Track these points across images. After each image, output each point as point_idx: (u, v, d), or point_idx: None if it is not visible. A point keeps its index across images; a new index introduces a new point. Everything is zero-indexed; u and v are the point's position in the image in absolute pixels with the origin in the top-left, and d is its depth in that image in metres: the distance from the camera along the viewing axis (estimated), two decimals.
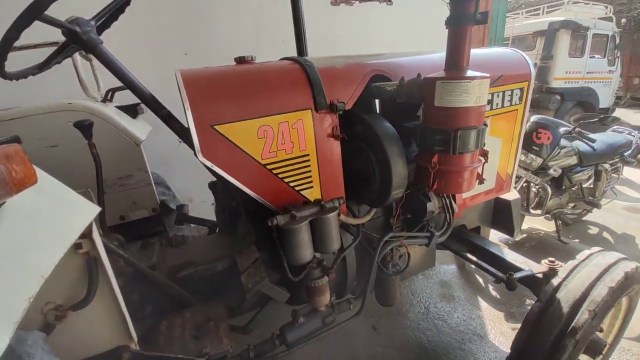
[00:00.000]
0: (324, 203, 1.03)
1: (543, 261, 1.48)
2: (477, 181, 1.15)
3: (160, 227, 1.71)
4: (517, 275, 1.43)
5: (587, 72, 6.47)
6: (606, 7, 7.83)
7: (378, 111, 1.43)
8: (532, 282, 1.42)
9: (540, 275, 1.43)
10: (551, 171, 2.32)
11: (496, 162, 1.57)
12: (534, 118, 3.30)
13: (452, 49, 1.01)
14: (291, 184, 1.08)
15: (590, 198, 2.82)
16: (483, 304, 2.20)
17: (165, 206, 1.73)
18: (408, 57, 1.29)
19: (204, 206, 2.45)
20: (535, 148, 2.29)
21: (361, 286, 1.35)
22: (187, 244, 1.36)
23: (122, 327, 0.78)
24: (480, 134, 1.03)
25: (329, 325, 1.29)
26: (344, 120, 1.20)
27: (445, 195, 1.31)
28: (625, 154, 2.80)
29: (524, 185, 2.55)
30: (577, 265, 1.30)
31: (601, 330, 1.47)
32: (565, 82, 6.31)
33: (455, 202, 1.35)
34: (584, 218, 3.17)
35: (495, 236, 2.86)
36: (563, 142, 2.46)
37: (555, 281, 1.27)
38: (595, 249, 1.41)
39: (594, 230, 3.11)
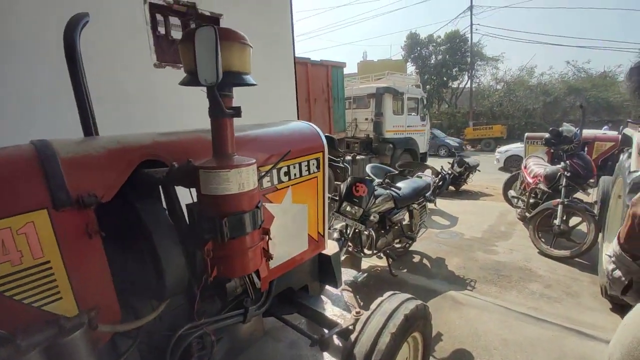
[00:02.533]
0: (62, 322, 0.84)
1: (352, 312, 1.61)
2: (265, 258, 1.17)
3: None
4: (329, 333, 1.50)
5: (408, 126, 8.25)
6: (415, 79, 10.38)
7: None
8: (344, 335, 1.51)
9: (351, 327, 1.54)
10: (371, 218, 2.69)
11: (305, 226, 1.68)
12: (368, 167, 3.90)
13: (215, 138, 1.04)
14: (25, 300, 0.86)
15: (409, 233, 3.41)
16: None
17: None
18: (191, 134, 1.29)
19: None
20: (355, 200, 2.64)
21: None
22: None
23: None
24: (254, 216, 1.06)
25: None
26: (117, 210, 1.07)
27: None
28: (427, 194, 3.54)
29: (356, 232, 2.88)
30: (370, 316, 1.45)
31: None
32: (395, 134, 7.86)
33: (258, 277, 1.35)
34: (410, 249, 3.79)
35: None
36: (379, 191, 2.93)
37: (353, 336, 1.38)
38: (387, 294, 1.61)
39: (417, 259, 3.73)
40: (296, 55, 6.32)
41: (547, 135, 4.18)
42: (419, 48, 25.45)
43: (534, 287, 3.16)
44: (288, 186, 1.53)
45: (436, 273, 3.42)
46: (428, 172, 4.65)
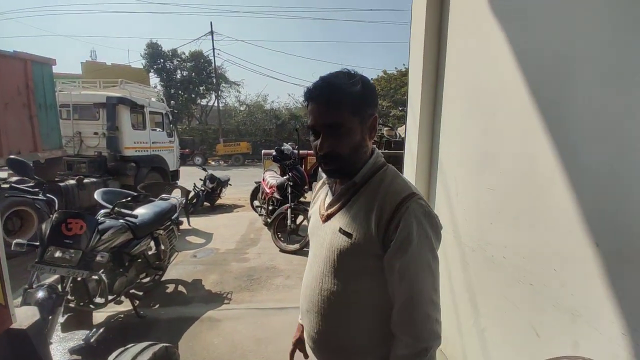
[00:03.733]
0: None
1: None
2: None
3: None
4: None
5: (153, 142, 7.51)
6: (157, 91, 9.68)
7: None
8: None
9: None
10: (98, 258, 2.15)
11: None
12: (97, 193, 3.11)
13: None
14: None
15: (157, 263, 3.05)
16: None
17: None
18: None
19: None
20: (68, 241, 2.02)
21: None
22: None
23: None
24: None
25: None
26: None
27: None
28: (173, 217, 3.31)
29: (79, 281, 2.21)
30: None
31: None
32: (137, 151, 6.91)
33: None
34: (163, 279, 3.42)
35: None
36: (108, 222, 2.41)
37: None
38: (113, 355, 1.31)
39: (171, 288, 3.43)
40: None
41: (273, 152, 5.07)
42: (162, 60, 24.19)
43: (278, 281, 3.70)
44: None
45: (192, 297, 3.26)
46: (177, 192, 4.41)
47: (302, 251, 4.50)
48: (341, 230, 0.82)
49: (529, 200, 1.49)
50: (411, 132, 2.59)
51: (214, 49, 24.13)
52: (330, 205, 0.90)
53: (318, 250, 0.90)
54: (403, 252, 0.74)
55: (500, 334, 1.74)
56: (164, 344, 1.45)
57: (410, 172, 2.56)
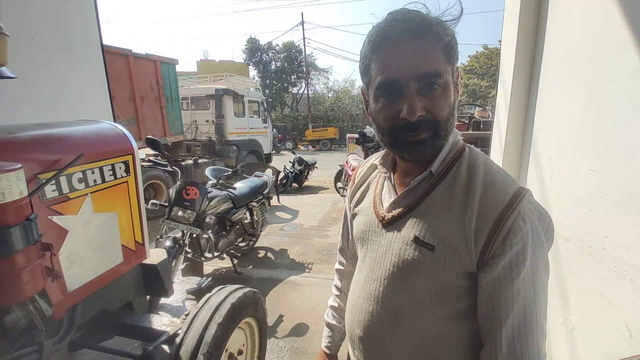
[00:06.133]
0: None
1: (182, 316, 1.58)
2: (50, 277, 1.01)
3: None
4: (153, 344, 1.42)
5: (251, 128, 8.45)
6: (254, 82, 10.71)
7: None
8: (171, 341, 1.46)
9: (179, 331, 1.50)
10: (207, 220, 2.66)
11: (118, 236, 1.52)
12: (207, 170, 3.77)
13: None
14: None
15: (251, 230, 3.55)
16: None
17: None
18: None
19: None
20: (187, 204, 2.55)
21: None
22: None
23: None
24: (25, 230, 0.90)
25: None
26: None
27: (28, 300, 1.08)
28: (264, 192, 3.77)
29: (194, 237, 2.77)
30: (196, 314, 1.46)
31: (241, 353, 1.76)
32: (238, 136, 7.90)
33: (48, 303, 1.14)
34: (256, 245, 3.95)
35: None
36: (214, 192, 2.92)
37: (178, 339, 1.37)
38: (216, 289, 1.66)
39: (261, 254, 3.93)
40: (116, 46, 5.46)
41: (357, 135, 5.19)
42: (259, 53, 26.38)
43: None
44: (86, 194, 1.34)
45: (279, 263, 3.70)
46: (269, 171, 4.94)
47: None
48: (418, 241, 0.62)
49: (637, 183, 1.29)
50: (501, 109, 2.38)
51: (304, 38, 25.13)
52: (395, 204, 0.68)
53: (375, 264, 0.69)
54: (517, 273, 0.56)
55: (590, 332, 1.56)
56: (253, 289, 1.76)
57: (498, 153, 2.37)
